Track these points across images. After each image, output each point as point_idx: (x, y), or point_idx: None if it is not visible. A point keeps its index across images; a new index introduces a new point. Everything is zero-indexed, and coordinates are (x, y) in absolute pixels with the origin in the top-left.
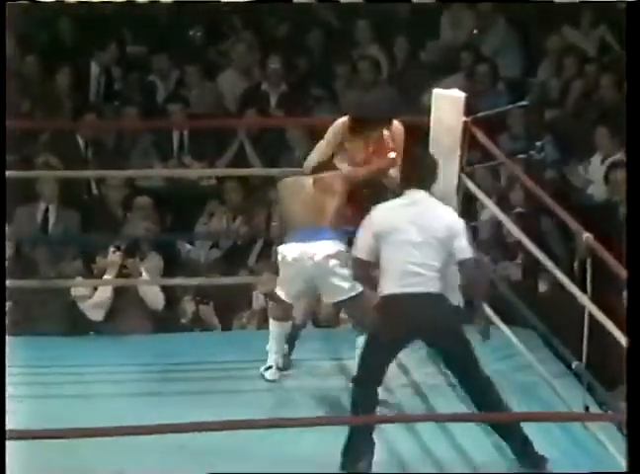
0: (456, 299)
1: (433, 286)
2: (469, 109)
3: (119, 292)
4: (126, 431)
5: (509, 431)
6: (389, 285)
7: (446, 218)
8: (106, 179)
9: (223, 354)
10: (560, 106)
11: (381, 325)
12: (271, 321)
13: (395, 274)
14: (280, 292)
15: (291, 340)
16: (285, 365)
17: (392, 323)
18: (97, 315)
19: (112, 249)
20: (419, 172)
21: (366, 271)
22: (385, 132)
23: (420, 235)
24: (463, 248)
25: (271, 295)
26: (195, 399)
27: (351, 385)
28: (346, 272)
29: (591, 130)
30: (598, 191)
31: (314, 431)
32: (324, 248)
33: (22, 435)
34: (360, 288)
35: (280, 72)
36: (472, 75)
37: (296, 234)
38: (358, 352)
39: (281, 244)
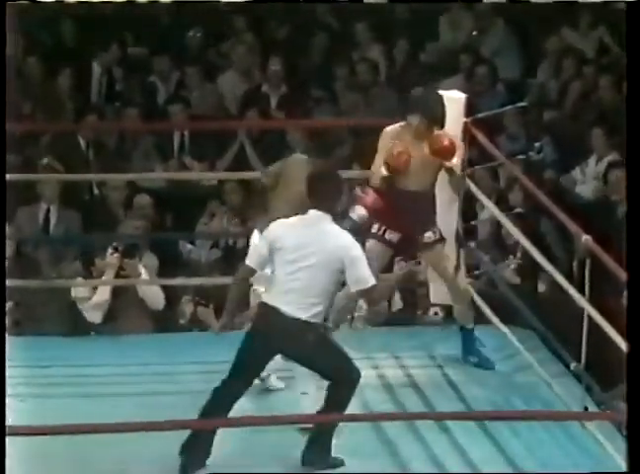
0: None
1: (307, 312)
2: (469, 110)
3: (118, 293)
4: (124, 427)
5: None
6: (270, 296)
7: (341, 244)
8: (107, 180)
9: (221, 354)
10: (559, 107)
11: (253, 330)
12: None
13: (277, 288)
14: None
15: None
16: None
17: (261, 331)
18: (95, 317)
19: (110, 250)
20: (325, 193)
21: (248, 278)
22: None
23: (308, 258)
24: (359, 279)
25: None
26: (192, 398)
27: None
28: None
29: (588, 131)
30: (589, 190)
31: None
32: None
33: (21, 432)
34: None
35: (281, 74)
36: (471, 76)
37: None
38: None
39: None
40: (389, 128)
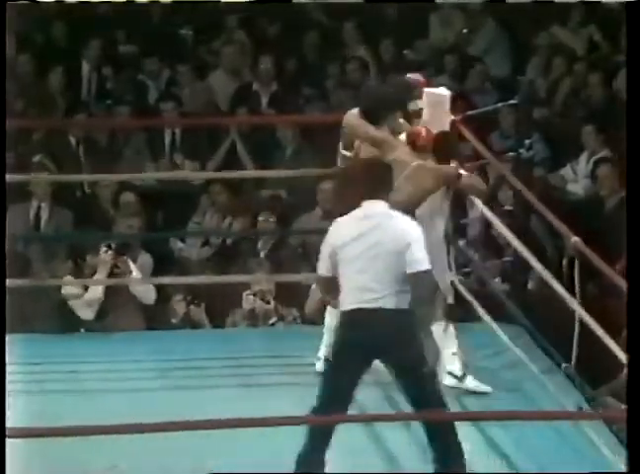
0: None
1: (386, 302)
2: (457, 107)
3: (110, 291)
4: (126, 429)
5: (442, 433)
6: (346, 302)
7: (399, 230)
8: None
9: (213, 350)
10: (548, 104)
11: (340, 343)
12: (328, 310)
13: (350, 290)
14: None
15: None
16: None
17: (350, 341)
18: (87, 314)
19: (103, 248)
20: (374, 182)
21: (329, 287)
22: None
23: (371, 249)
24: (413, 260)
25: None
26: (190, 395)
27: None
28: None
29: (578, 129)
30: (580, 188)
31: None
32: None
33: (22, 434)
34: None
35: (272, 72)
36: (461, 74)
37: None
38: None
39: None
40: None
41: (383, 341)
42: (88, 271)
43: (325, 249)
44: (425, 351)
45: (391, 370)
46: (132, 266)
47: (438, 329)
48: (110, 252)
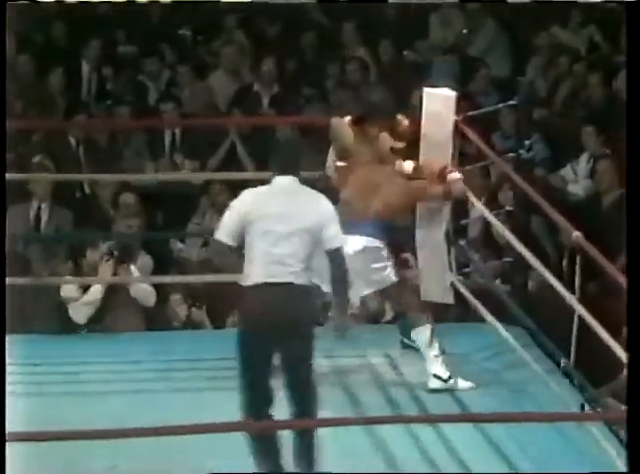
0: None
1: (298, 278)
2: (460, 107)
3: (109, 293)
4: (128, 433)
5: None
6: (253, 275)
7: (315, 207)
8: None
9: (217, 352)
10: (548, 105)
11: (246, 320)
12: None
13: (259, 263)
14: None
15: None
16: None
17: (256, 316)
18: (80, 318)
19: (105, 257)
20: (285, 157)
21: (227, 255)
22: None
23: (286, 225)
24: (331, 237)
25: None
26: (190, 397)
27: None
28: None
29: (578, 129)
30: (581, 188)
31: None
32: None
33: (23, 438)
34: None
35: (274, 73)
36: (465, 76)
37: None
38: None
39: None
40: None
41: (290, 315)
42: (87, 269)
43: (232, 218)
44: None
45: (280, 347)
46: (134, 270)
47: (424, 331)
48: (111, 261)
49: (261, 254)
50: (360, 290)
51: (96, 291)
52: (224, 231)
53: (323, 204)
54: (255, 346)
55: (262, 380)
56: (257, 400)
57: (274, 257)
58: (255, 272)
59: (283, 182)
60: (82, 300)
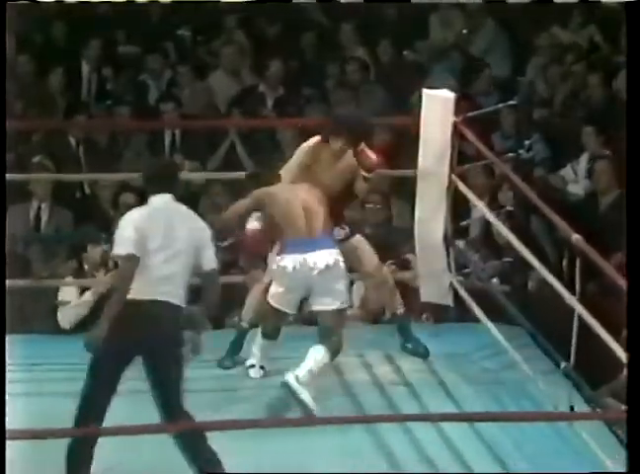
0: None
1: (175, 297)
2: (459, 108)
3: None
4: (125, 430)
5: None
6: (143, 291)
7: (192, 227)
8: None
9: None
10: (548, 105)
11: (112, 333)
12: (261, 336)
13: (152, 280)
14: (279, 304)
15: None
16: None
17: (123, 330)
18: (66, 322)
19: (110, 264)
20: (161, 175)
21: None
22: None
23: (176, 242)
24: (211, 258)
25: (263, 314)
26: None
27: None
28: (341, 282)
29: (578, 129)
30: (580, 188)
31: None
32: (324, 257)
33: (22, 436)
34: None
35: (280, 75)
36: (465, 76)
37: (293, 244)
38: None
39: (277, 255)
40: (306, 145)
41: (160, 334)
42: (89, 266)
43: (130, 230)
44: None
45: (149, 368)
46: None
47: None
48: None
49: (155, 269)
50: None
51: (86, 296)
52: (130, 242)
53: (199, 225)
54: (115, 359)
55: (107, 395)
56: (93, 413)
57: (164, 273)
58: (144, 287)
59: (159, 202)
60: (69, 305)
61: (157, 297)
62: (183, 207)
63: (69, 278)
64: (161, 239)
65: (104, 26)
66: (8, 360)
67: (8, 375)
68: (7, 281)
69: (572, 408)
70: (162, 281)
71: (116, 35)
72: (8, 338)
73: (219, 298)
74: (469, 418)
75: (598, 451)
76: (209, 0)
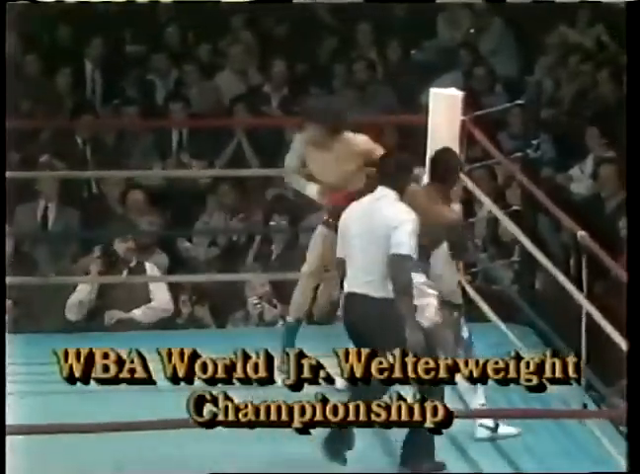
0: None
1: (372, 289)
2: (467, 107)
3: (109, 291)
4: (125, 426)
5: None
6: (344, 285)
7: (387, 214)
8: (105, 177)
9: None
10: (556, 104)
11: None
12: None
13: (348, 273)
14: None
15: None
16: None
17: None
18: (72, 315)
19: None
20: (391, 169)
21: (343, 268)
22: None
23: (364, 234)
24: (395, 243)
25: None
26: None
27: None
28: None
29: (585, 129)
30: (585, 188)
31: None
32: None
33: (21, 431)
34: None
35: (285, 76)
36: (470, 74)
37: None
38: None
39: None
40: (299, 135)
41: (356, 325)
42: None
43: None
44: None
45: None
46: (150, 268)
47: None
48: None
49: (348, 264)
50: None
51: (84, 290)
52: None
53: (395, 211)
54: None
55: None
56: None
57: (355, 266)
58: (345, 282)
59: (380, 193)
60: (72, 298)
61: (350, 290)
62: (390, 199)
63: (76, 277)
64: (354, 232)
65: (111, 25)
66: (16, 360)
67: (15, 375)
68: (17, 279)
69: (585, 406)
70: (356, 274)
71: (123, 34)
72: (15, 337)
73: (403, 281)
74: (476, 415)
75: (611, 449)
76: (215, 0)
